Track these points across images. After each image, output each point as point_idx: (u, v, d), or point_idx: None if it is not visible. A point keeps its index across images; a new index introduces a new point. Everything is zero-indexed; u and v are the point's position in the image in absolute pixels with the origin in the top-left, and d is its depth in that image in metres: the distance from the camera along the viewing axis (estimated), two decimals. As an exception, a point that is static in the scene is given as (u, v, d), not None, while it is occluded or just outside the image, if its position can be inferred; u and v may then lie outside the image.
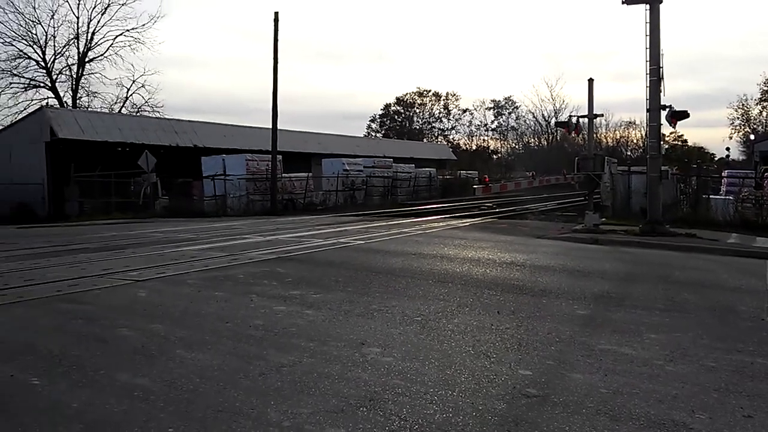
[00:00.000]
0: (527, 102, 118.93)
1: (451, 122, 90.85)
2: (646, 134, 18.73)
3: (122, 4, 49.64)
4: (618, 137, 76.20)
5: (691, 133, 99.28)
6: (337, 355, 4.69)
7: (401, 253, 10.55)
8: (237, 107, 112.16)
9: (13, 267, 9.24)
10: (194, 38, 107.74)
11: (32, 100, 44.64)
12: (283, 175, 30.67)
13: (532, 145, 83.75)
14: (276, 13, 28.17)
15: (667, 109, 14.64)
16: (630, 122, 75.18)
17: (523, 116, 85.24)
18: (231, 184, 28.53)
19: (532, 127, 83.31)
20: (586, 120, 18.04)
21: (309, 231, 15.33)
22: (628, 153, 71.44)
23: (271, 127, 28.51)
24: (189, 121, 38.84)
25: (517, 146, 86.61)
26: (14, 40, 43.90)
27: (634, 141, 73.78)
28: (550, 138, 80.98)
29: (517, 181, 56.39)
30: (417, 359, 4.60)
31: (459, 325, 5.67)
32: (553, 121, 75.76)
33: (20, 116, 38.79)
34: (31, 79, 45.12)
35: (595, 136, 21.58)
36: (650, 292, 7.56)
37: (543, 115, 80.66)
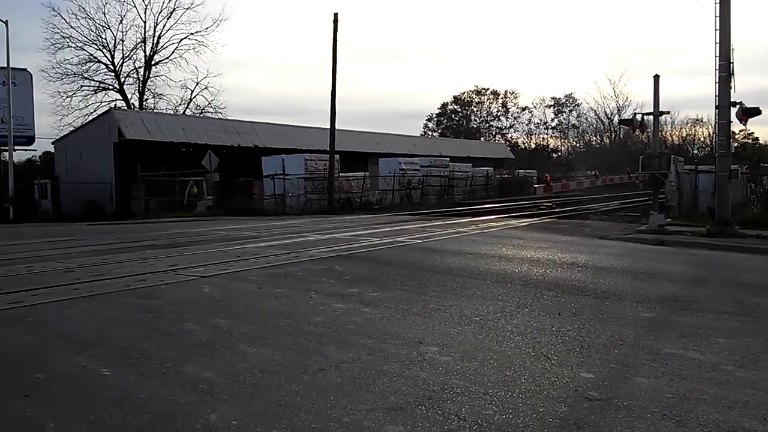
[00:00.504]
0: (589, 99, 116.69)
1: (510, 120, 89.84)
2: (714, 132, 18.01)
3: (187, 9, 51.25)
4: (684, 135, 73.60)
5: (763, 130, 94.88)
6: (395, 353, 4.71)
7: (459, 253, 10.50)
8: (296, 108, 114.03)
9: (84, 262, 9.66)
10: (255, 41, 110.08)
11: (101, 102, 46.61)
12: (341, 174, 30.98)
13: (594, 143, 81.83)
14: (335, 15, 28.47)
15: (738, 106, 14.06)
16: (697, 119, 72.45)
17: (585, 114, 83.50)
18: (290, 184, 29.02)
19: (594, 125, 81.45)
20: (651, 117, 17.48)
21: (366, 230, 15.44)
22: (695, 151, 68.85)
23: (329, 127, 28.83)
24: (250, 121, 39.77)
25: (578, 144, 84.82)
26: (85, 44, 45.94)
27: (701, 139, 71.10)
28: (613, 136, 78.98)
29: (579, 180, 55.24)
30: (475, 359, 4.57)
31: (518, 326, 5.60)
32: (616, 118, 73.96)
33: (90, 118, 40.54)
34: (100, 82, 47.13)
35: (660, 134, 20.92)
36: (719, 296, 7.28)
37: (605, 112, 78.78)
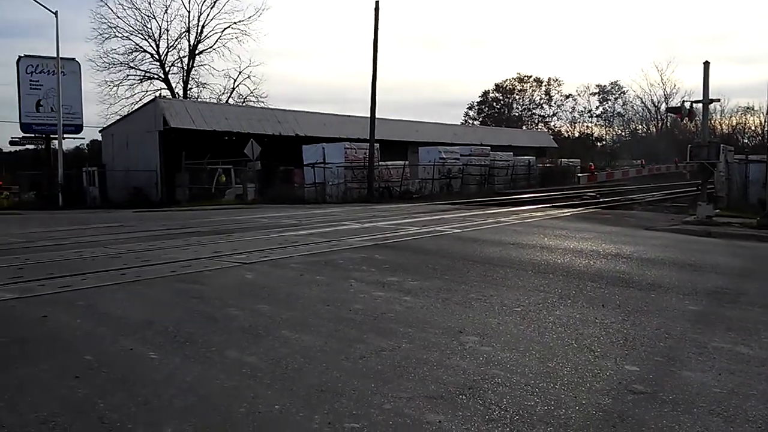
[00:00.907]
0: (635, 87, 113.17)
1: (553, 108, 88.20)
2: (766, 120, 17.40)
3: (230, -2, 51.65)
4: (734, 124, 71.10)
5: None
6: (435, 342, 4.71)
7: (499, 243, 10.42)
8: (337, 96, 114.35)
9: (131, 248, 9.90)
10: (296, 29, 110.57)
11: (147, 92, 47.50)
12: (380, 163, 31.01)
13: (640, 132, 79.81)
14: (377, 3, 28.40)
15: (793, 93, 13.53)
16: (748, 108, 69.81)
17: (631, 102, 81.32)
18: (330, 172, 29.20)
19: (640, 113, 79.28)
20: (700, 106, 16.97)
21: (405, 219, 15.43)
22: (745, 141, 66.55)
23: (369, 116, 28.85)
24: (291, 110, 40.07)
25: (623, 133, 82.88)
26: (131, 34, 46.83)
27: (753, 128, 68.59)
28: (660, 125, 76.88)
29: (624, 169, 54.07)
30: (517, 350, 4.53)
31: (561, 317, 5.53)
32: (663, 106, 71.87)
33: (136, 107, 41.40)
34: (146, 71, 48.04)
35: (709, 122, 20.31)
36: (770, 290, 7.05)
37: (652, 100, 76.60)
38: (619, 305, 6.03)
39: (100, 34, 46.08)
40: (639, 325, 5.31)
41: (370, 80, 28.62)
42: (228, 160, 31.32)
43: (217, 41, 49.10)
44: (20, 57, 33.74)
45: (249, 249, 9.49)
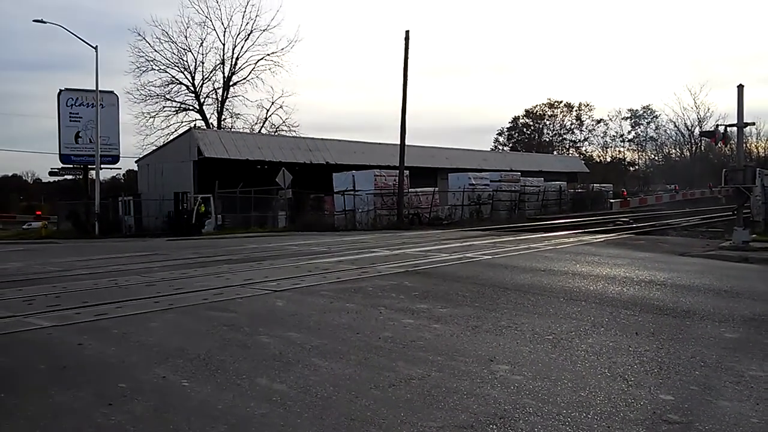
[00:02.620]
0: (668, 111, 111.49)
1: (584, 133, 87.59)
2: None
3: (263, 30, 52.49)
4: (771, 147, 69.58)
5: None
6: (465, 370, 4.68)
7: (530, 269, 10.32)
8: (367, 124, 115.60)
9: (164, 276, 10.07)
10: (327, 59, 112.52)
11: (182, 122, 48.51)
12: (410, 189, 31.07)
13: (673, 156, 78.56)
14: (407, 32, 28.76)
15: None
16: (785, 130, 68.37)
17: (663, 126, 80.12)
18: (360, 199, 29.35)
19: (673, 138, 78.04)
20: (734, 129, 16.71)
21: (435, 245, 15.40)
22: (783, 164, 65.00)
23: (398, 143, 29.02)
24: (322, 139, 40.57)
25: (656, 158, 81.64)
26: (168, 67, 48.02)
27: (790, 151, 67.01)
28: (694, 149, 75.61)
29: (658, 194, 53.18)
30: (548, 379, 4.47)
31: (593, 345, 5.45)
32: (697, 130, 70.61)
33: (171, 137, 42.32)
34: (181, 103, 49.15)
35: (744, 145, 19.95)
36: (812, 317, 6.84)
37: (685, 124, 75.41)
38: (653, 333, 5.92)
39: (138, 67, 47.39)
40: (674, 353, 5.20)
41: (400, 108, 28.85)
42: (260, 189, 31.73)
43: (250, 73, 50.09)
44: (61, 90, 34.86)
45: (280, 276, 9.57)
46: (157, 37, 56.53)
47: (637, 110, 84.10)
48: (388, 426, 3.61)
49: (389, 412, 3.81)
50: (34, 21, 31.12)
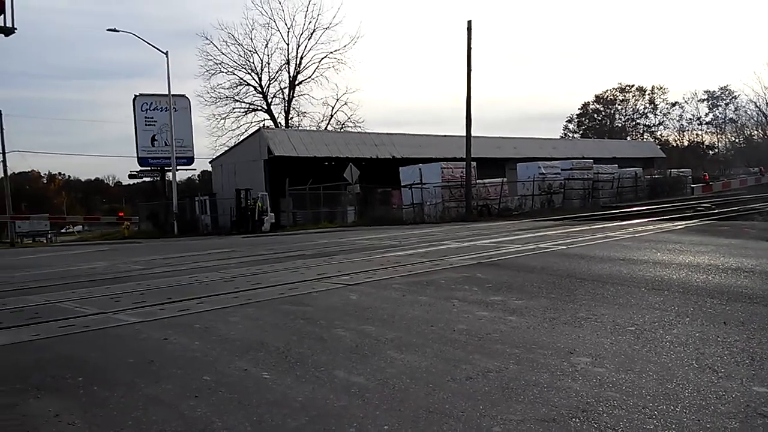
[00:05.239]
0: (747, 91, 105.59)
1: (659, 117, 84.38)
2: None
3: (326, 29, 53.23)
4: None
5: None
6: (544, 363, 4.57)
7: (608, 259, 10.01)
8: (432, 117, 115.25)
9: (241, 272, 10.35)
10: (390, 54, 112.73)
11: (251, 123, 49.86)
12: (477, 181, 30.75)
13: (756, 137, 74.49)
14: (469, 22, 28.44)
15: None
16: None
17: (743, 106, 76.11)
18: (427, 192, 29.30)
19: (755, 118, 73.97)
20: (826, 105, 15.63)
21: (506, 236, 15.18)
22: None
23: (464, 134, 28.75)
24: (387, 133, 40.73)
25: (737, 140, 77.67)
26: (235, 69, 49.45)
27: None
28: (778, 129, 71.48)
29: (742, 178, 50.60)
30: (632, 371, 4.32)
31: (679, 336, 5.22)
32: (780, 109, 66.79)
33: (242, 137, 43.49)
34: (250, 104, 50.49)
35: (838, 122, 18.64)
36: None
37: (767, 103, 71.45)
38: (742, 322, 5.62)
39: (207, 71, 49.03)
40: (766, 343, 4.92)
41: (465, 99, 28.58)
42: (329, 185, 32.17)
43: (315, 71, 50.89)
44: (136, 96, 36.44)
45: (352, 270, 9.66)
46: (223, 40, 58.39)
47: (714, 91, 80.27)
48: (467, 418, 3.58)
49: (467, 405, 3.78)
50: (108, 30, 32.64)
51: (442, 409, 3.74)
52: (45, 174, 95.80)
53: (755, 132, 75.03)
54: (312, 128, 48.66)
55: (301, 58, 50.66)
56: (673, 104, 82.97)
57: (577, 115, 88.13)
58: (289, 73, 50.75)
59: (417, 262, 10.52)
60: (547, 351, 4.88)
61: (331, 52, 51.22)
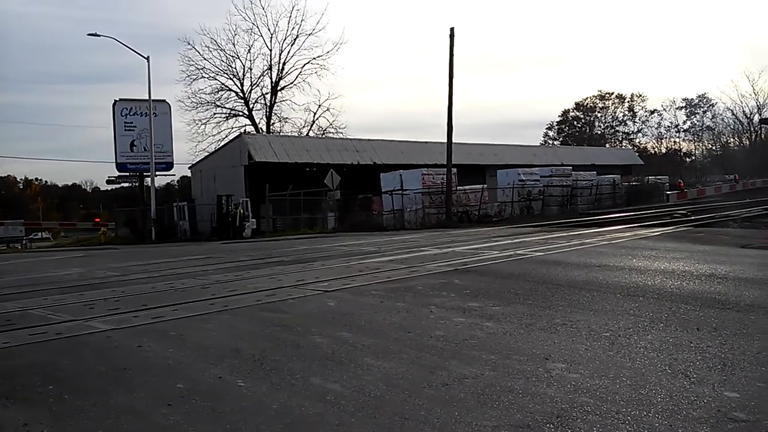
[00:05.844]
0: (724, 98, 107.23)
1: (637, 125, 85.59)
2: None
3: (309, 34, 53.14)
4: (837, 132, 66.30)
5: None
6: (519, 369, 4.59)
7: (584, 265, 10.09)
8: (413, 123, 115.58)
9: (219, 279, 10.27)
10: (372, 60, 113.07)
11: (232, 128, 49.58)
12: (458, 187, 30.90)
13: (732, 145, 75.81)
14: (452, 29, 28.59)
15: None
16: None
17: (720, 114, 77.49)
18: (408, 199, 29.37)
19: (731, 126, 75.32)
20: (797, 114, 15.97)
21: (485, 243, 15.24)
22: None
23: (445, 141, 28.87)
24: (368, 139, 40.80)
25: (713, 147, 78.96)
26: (217, 74, 49.16)
27: None
28: (753, 137, 72.82)
29: (717, 185, 51.42)
30: (606, 377, 4.35)
31: (653, 342, 5.27)
32: (756, 118, 68.06)
33: (222, 143, 43.25)
34: (231, 109, 50.21)
35: (809, 131, 19.04)
36: None
37: (744, 112, 72.67)
38: (715, 328, 5.69)
39: (188, 76, 48.70)
40: (738, 349, 4.99)
41: (446, 105, 28.69)
42: (309, 191, 32.09)
43: (297, 77, 50.76)
44: (116, 101, 36.03)
45: (330, 277, 9.64)
46: (206, 46, 57.90)
47: (692, 99, 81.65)
48: (442, 425, 3.58)
49: (443, 411, 3.78)
50: (88, 35, 32.34)
51: (418, 416, 3.73)
52: (21, 179, 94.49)
53: (732, 139, 76.41)
54: (293, 134, 48.53)
55: (284, 63, 50.59)
56: (652, 112, 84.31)
57: (557, 122, 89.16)
58: (271, 78, 50.66)
59: (396, 268, 10.52)
60: (523, 357, 4.90)
61: (314, 58, 51.13)
